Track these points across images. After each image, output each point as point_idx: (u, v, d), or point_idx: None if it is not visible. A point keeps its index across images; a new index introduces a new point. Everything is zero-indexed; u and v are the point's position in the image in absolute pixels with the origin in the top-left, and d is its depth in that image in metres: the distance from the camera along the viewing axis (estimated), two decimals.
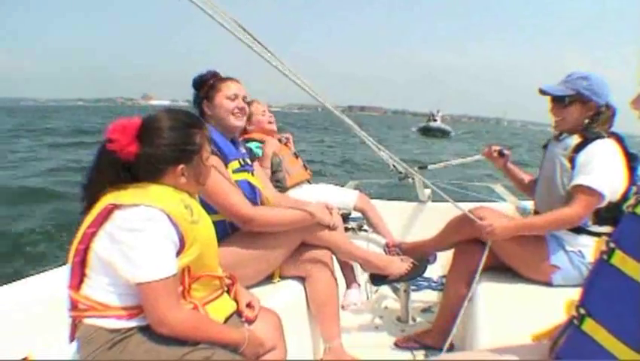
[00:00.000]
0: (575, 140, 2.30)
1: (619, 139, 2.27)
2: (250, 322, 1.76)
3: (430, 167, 4.38)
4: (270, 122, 3.65)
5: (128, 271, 1.37)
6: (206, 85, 2.32)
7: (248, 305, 1.80)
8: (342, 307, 2.60)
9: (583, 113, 2.32)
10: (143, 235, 1.37)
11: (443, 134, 50.18)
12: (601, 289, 1.00)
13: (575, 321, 1.02)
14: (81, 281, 1.44)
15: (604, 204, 2.20)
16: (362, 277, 3.25)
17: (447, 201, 2.49)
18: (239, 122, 2.32)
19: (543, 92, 2.39)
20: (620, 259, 0.95)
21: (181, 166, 1.52)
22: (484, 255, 2.33)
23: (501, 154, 2.83)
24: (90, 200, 1.48)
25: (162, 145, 1.50)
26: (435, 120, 53.72)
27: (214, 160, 2.09)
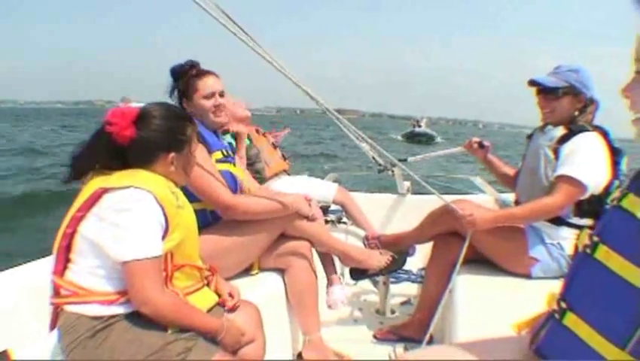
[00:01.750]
0: (560, 131, 2.31)
1: (604, 133, 2.28)
2: (230, 311, 1.77)
3: (410, 159, 4.38)
4: (243, 109, 3.67)
5: (115, 250, 1.40)
6: (184, 79, 2.28)
7: (229, 295, 1.82)
8: (329, 306, 2.58)
9: (574, 106, 2.33)
10: (131, 214, 1.42)
11: (428, 139, 48.24)
12: (583, 283, 0.99)
13: (556, 315, 1.01)
14: (65, 267, 1.46)
15: (586, 196, 2.21)
16: (343, 270, 3.24)
17: (427, 193, 2.48)
18: (218, 119, 2.33)
19: (534, 82, 2.39)
20: (603, 254, 0.94)
21: (172, 154, 1.59)
22: (464, 246, 2.34)
23: (481, 146, 2.84)
24: (75, 173, 1.54)
25: (156, 131, 1.57)
26: (420, 126, 52.29)
27: (200, 148, 2.08)
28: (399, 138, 49.89)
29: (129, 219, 1.41)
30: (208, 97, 2.28)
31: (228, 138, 3.35)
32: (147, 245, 1.41)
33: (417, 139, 47.30)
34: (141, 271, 1.39)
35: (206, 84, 2.28)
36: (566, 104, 2.33)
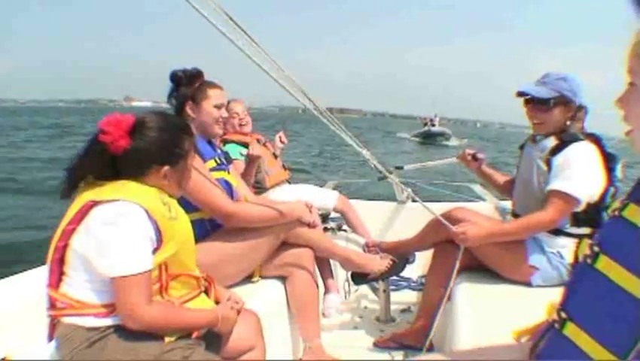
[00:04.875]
0: (552, 142, 2.29)
1: (596, 140, 2.26)
2: None
3: (406, 167, 4.39)
4: (242, 125, 3.61)
5: (102, 265, 1.38)
6: (192, 84, 2.29)
7: (228, 300, 1.80)
8: (324, 314, 2.59)
9: (565, 115, 2.30)
10: (118, 229, 1.38)
11: (445, 139, 45.06)
12: (583, 293, 0.98)
13: (556, 325, 1.01)
14: (60, 280, 1.44)
15: (580, 208, 2.21)
16: (340, 277, 3.24)
17: (427, 201, 2.50)
18: (221, 130, 2.38)
19: (522, 94, 2.35)
20: (604, 264, 0.93)
21: (166, 167, 1.54)
22: (459, 257, 2.32)
23: (474, 158, 2.85)
24: (71, 185, 1.49)
25: (152, 143, 1.51)
26: (434, 125, 48.45)
27: (196, 158, 2.08)
28: (410, 137, 46.92)
29: (115, 233, 1.38)
30: (218, 107, 2.31)
31: (227, 148, 3.32)
32: (132, 261, 1.38)
33: (433, 139, 44.25)
34: (125, 288, 1.37)
35: (217, 94, 2.32)
36: (557, 115, 2.29)
